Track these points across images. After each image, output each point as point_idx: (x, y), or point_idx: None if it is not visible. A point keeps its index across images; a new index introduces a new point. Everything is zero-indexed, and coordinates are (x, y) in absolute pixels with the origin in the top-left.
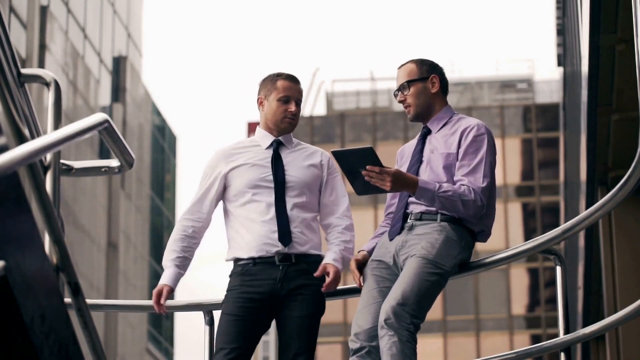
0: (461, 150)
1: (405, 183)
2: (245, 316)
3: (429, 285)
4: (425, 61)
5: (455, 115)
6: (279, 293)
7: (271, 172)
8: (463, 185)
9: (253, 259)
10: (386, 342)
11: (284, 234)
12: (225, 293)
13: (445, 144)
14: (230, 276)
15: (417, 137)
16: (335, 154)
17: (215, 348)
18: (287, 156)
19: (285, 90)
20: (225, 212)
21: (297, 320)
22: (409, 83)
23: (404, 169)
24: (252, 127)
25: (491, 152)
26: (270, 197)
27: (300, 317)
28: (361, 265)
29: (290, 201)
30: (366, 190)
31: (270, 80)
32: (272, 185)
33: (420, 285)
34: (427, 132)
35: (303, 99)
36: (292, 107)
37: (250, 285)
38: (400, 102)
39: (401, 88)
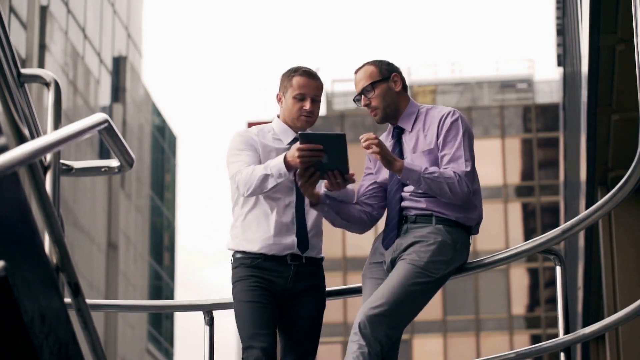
0: (440, 140)
1: (390, 159)
2: (267, 303)
3: (414, 294)
4: (383, 61)
5: (422, 108)
6: (291, 291)
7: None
8: (449, 170)
9: (265, 255)
10: (354, 350)
11: (303, 242)
12: (233, 284)
13: (425, 140)
14: (236, 267)
15: (389, 137)
16: (302, 136)
17: (245, 335)
18: None
19: (300, 87)
20: (238, 200)
21: (307, 320)
22: (373, 85)
23: (384, 172)
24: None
25: (468, 136)
26: (290, 197)
27: (310, 317)
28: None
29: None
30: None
31: (287, 77)
32: (293, 185)
33: (405, 293)
34: (400, 132)
35: None
36: (307, 105)
37: (263, 277)
38: (365, 106)
39: (364, 92)
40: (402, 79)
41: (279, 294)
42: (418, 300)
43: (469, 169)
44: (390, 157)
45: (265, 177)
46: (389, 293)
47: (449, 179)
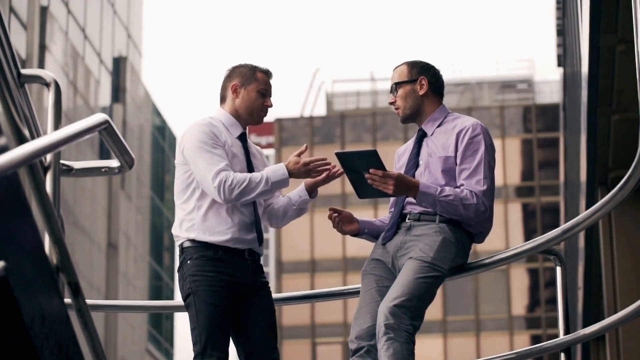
0: (459, 154)
1: (407, 187)
2: (229, 307)
3: (426, 287)
4: (418, 63)
5: (450, 115)
6: (250, 286)
7: (246, 169)
8: (465, 189)
9: (227, 248)
10: (384, 344)
11: (260, 236)
12: (192, 275)
13: (443, 146)
14: (195, 259)
15: (413, 139)
16: (339, 155)
17: (204, 339)
18: (251, 155)
19: (265, 83)
20: (194, 192)
21: (269, 314)
22: (397, 85)
23: (401, 172)
24: (251, 128)
25: (489, 152)
26: None
27: (271, 311)
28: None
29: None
30: (368, 193)
31: (250, 70)
32: None
33: (419, 287)
34: (423, 135)
35: (302, 100)
36: (269, 102)
37: (226, 274)
38: (390, 104)
39: (391, 90)
40: (433, 83)
41: (240, 289)
42: (431, 292)
43: (485, 187)
44: (405, 189)
45: (266, 192)
46: (403, 287)
47: (465, 200)
